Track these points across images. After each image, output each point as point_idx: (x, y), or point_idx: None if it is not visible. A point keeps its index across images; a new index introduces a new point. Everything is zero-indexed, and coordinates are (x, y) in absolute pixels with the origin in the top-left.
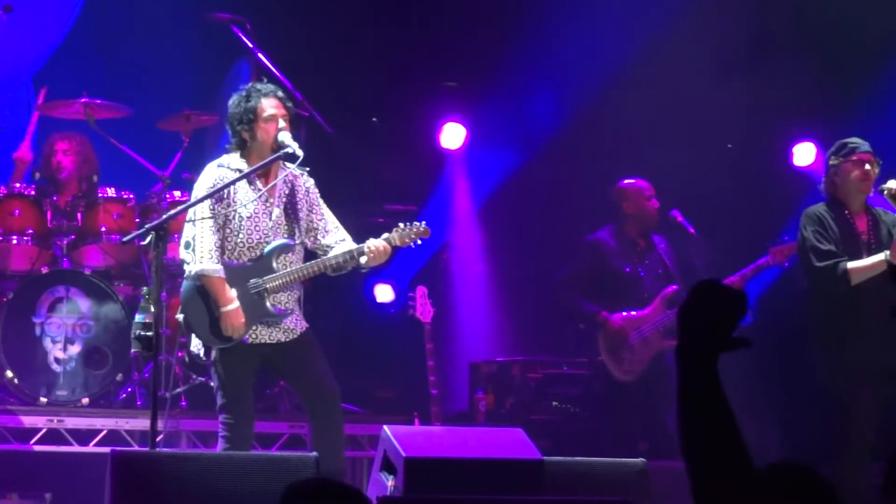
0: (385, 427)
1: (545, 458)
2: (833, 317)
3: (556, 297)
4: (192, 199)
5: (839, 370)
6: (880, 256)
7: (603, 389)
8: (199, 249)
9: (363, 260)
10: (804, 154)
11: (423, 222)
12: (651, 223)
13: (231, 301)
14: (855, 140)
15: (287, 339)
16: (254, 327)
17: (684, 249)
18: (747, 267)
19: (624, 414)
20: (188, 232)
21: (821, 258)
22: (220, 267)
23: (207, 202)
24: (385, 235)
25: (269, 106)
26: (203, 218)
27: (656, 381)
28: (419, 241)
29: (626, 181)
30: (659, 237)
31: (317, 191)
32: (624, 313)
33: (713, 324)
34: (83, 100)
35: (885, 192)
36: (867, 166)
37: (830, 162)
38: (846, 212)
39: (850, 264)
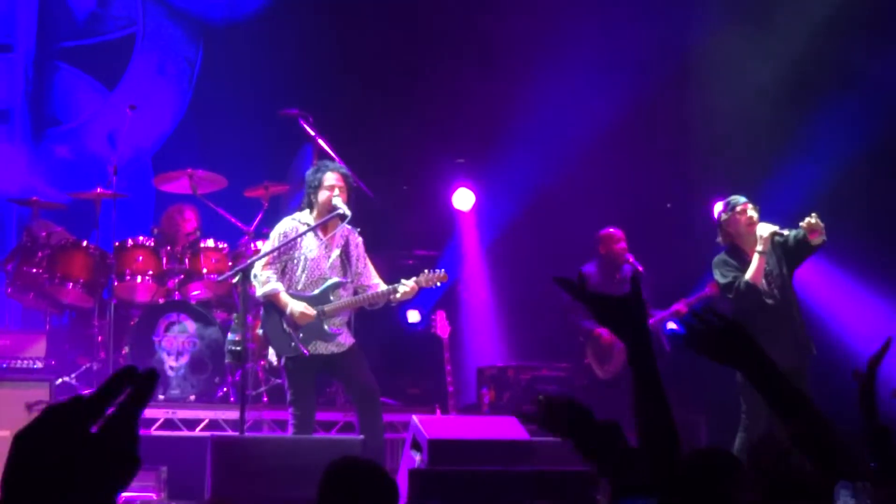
0: (413, 416)
1: (532, 438)
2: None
3: (564, 315)
4: (269, 243)
5: None
6: (756, 259)
7: (585, 385)
8: (259, 278)
9: (398, 295)
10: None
11: (443, 270)
12: (618, 261)
13: (288, 304)
14: (735, 196)
15: (339, 351)
16: (314, 342)
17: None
18: (692, 296)
19: (600, 403)
20: (255, 267)
21: (728, 290)
22: (276, 286)
23: (276, 244)
24: (414, 279)
25: (331, 178)
26: (262, 256)
27: (625, 381)
28: (438, 284)
29: (604, 230)
30: (630, 269)
31: (363, 246)
32: (607, 329)
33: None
34: (188, 171)
35: (806, 224)
36: (749, 212)
37: (722, 218)
38: (744, 254)
39: (746, 276)
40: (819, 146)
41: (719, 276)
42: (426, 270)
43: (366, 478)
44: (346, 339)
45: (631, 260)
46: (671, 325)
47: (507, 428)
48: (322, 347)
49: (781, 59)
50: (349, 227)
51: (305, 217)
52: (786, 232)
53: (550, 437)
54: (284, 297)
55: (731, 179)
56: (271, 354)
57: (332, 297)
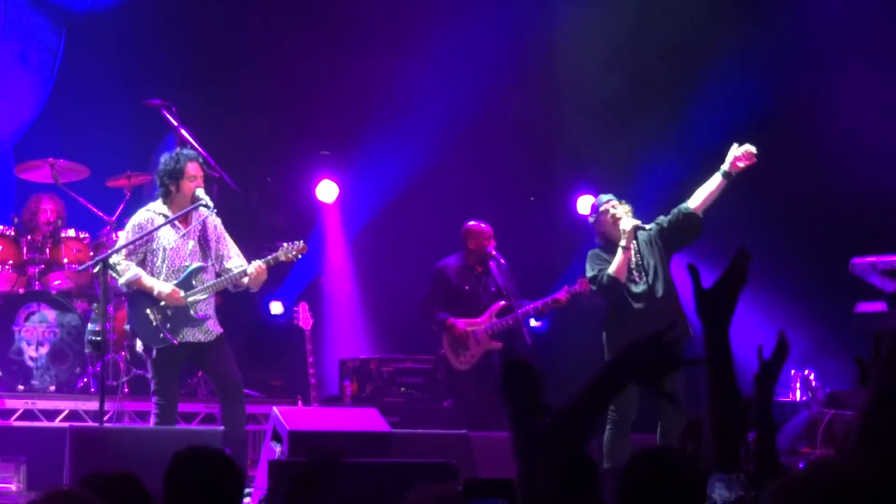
0: (274, 407)
1: (393, 430)
2: (612, 325)
3: (421, 309)
4: (124, 235)
5: None
6: (619, 253)
7: (443, 377)
8: (119, 268)
9: (245, 280)
10: (586, 204)
11: (302, 241)
12: (486, 256)
13: (153, 285)
14: (601, 196)
15: (206, 340)
16: (182, 330)
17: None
18: (548, 297)
19: (458, 395)
20: (112, 259)
21: (593, 282)
22: (137, 271)
23: (132, 236)
24: (271, 255)
25: (192, 168)
26: (117, 249)
27: (485, 371)
28: (300, 257)
29: (472, 223)
30: (494, 263)
31: (222, 227)
32: (464, 320)
33: None
34: (50, 160)
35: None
36: (612, 210)
37: (591, 220)
38: (617, 249)
39: (609, 269)
40: (684, 136)
41: (588, 269)
42: (284, 244)
43: (209, 466)
44: (214, 327)
45: (494, 254)
46: (534, 322)
47: (368, 420)
48: (190, 335)
49: (646, 50)
50: (205, 211)
51: (160, 207)
52: (647, 226)
53: (410, 430)
54: (148, 280)
55: (595, 173)
56: (139, 345)
57: (194, 283)
